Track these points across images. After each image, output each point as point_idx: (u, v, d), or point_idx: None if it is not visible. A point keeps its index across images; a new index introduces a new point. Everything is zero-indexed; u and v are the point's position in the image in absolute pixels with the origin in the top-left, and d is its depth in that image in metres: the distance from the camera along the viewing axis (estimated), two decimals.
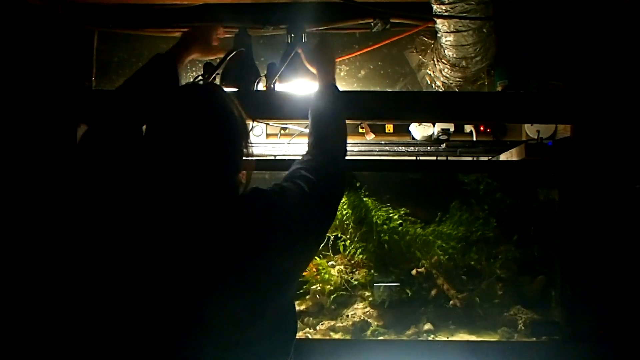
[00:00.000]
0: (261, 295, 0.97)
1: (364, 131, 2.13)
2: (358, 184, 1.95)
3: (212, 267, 0.93)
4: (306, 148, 1.28)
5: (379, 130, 2.18)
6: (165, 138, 0.98)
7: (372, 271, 1.89)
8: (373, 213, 1.93)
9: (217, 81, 1.68)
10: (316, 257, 1.90)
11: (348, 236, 1.93)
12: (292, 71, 1.73)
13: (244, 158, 1.06)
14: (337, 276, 1.89)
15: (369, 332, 1.82)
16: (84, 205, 0.99)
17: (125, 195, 0.97)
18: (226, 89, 1.33)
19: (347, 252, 1.92)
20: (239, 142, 1.05)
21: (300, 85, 1.78)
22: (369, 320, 1.84)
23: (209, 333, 0.93)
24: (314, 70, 1.53)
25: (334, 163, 1.22)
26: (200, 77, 1.60)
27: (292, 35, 1.78)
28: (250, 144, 1.09)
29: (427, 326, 1.82)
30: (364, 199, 1.95)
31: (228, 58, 1.62)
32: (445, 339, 1.79)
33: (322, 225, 1.12)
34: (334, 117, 1.34)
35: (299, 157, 1.24)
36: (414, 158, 2.14)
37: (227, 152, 1.02)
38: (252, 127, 1.81)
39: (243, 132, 1.06)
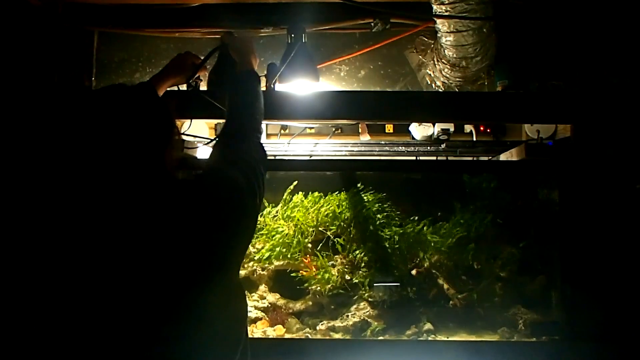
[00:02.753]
0: (203, 280, 0.98)
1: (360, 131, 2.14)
2: (361, 186, 1.95)
3: (152, 262, 0.94)
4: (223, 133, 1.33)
5: (379, 130, 2.19)
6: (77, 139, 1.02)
7: (372, 271, 1.89)
8: (373, 213, 1.93)
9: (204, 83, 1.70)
10: (316, 256, 1.90)
11: (348, 236, 1.93)
12: (292, 71, 1.73)
13: (167, 154, 1.08)
14: (337, 276, 1.89)
15: (369, 332, 1.82)
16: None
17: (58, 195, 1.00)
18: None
19: (347, 252, 1.92)
20: (152, 138, 1.05)
21: (300, 86, 1.78)
22: (369, 320, 1.84)
23: (162, 325, 0.93)
24: (236, 59, 1.56)
25: (239, 147, 1.24)
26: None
27: (292, 35, 1.78)
28: (170, 141, 1.10)
29: (427, 326, 1.82)
30: (364, 198, 1.94)
31: (208, 58, 1.63)
32: (445, 339, 1.79)
33: (235, 213, 1.09)
34: (247, 100, 1.39)
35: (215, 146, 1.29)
36: (414, 158, 2.14)
37: (139, 148, 1.03)
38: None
39: (156, 129, 1.07)
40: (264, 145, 1.32)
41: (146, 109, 1.07)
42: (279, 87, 1.72)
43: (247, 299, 1.18)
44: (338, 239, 1.91)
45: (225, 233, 1.02)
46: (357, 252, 1.90)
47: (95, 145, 1.00)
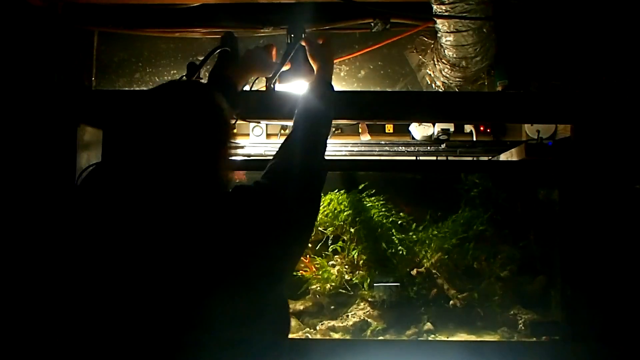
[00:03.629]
0: (254, 292, 0.97)
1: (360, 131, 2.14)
2: (361, 186, 1.95)
3: (206, 266, 0.93)
4: (285, 140, 1.25)
5: (379, 130, 2.19)
6: (136, 138, 0.99)
7: (372, 271, 1.89)
8: (373, 213, 1.93)
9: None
10: (316, 257, 1.90)
11: (348, 236, 1.93)
12: (292, 71, 1.73)
13: (224, 157, 1.06)
14: (337, 276, 1.89)
15: (369, 332, 1.82)
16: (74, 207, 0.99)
17: (115, 196, 0.97)
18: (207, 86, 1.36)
19: (347, 252, 1.92)
20: (214, 140, 1.04)
21: (300, 86, 1.78)
22: (369, 320, 1.84)
23: (207, 332, 0.93)
24: (314, 65, 1.52)
25: (308, 162, 1.20)
26: (183, 77, 1.61)
27: (292, 35, 1.78)
28: (230, 143, 1.08)
29: (427, 326, 1.82)
30: (364, 198, 1.95)
31: (208, 58, 1.62)
32: (445, 339, 1.79)
33: (298, 225, 1.09)
34: (322, 116, 1.34)
35: (276, 151, 1.22)
36: (414, 158, 2.14)
37: (199, 150, 1.00)
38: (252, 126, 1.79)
39: (219, 131, 1.05)
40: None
41: (201, 108, 1.03)
42: (278, 87, 1.72)
43: (289, 316, 1.15)
44: (338, 240, 1.91)
45: (273, 254, 1.00)
46: (357, 252, 1.90)
47: (145, 146, 0.97)
